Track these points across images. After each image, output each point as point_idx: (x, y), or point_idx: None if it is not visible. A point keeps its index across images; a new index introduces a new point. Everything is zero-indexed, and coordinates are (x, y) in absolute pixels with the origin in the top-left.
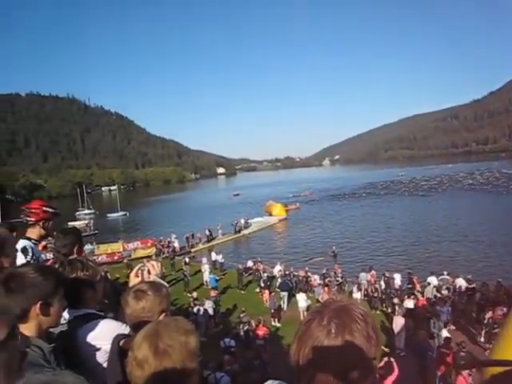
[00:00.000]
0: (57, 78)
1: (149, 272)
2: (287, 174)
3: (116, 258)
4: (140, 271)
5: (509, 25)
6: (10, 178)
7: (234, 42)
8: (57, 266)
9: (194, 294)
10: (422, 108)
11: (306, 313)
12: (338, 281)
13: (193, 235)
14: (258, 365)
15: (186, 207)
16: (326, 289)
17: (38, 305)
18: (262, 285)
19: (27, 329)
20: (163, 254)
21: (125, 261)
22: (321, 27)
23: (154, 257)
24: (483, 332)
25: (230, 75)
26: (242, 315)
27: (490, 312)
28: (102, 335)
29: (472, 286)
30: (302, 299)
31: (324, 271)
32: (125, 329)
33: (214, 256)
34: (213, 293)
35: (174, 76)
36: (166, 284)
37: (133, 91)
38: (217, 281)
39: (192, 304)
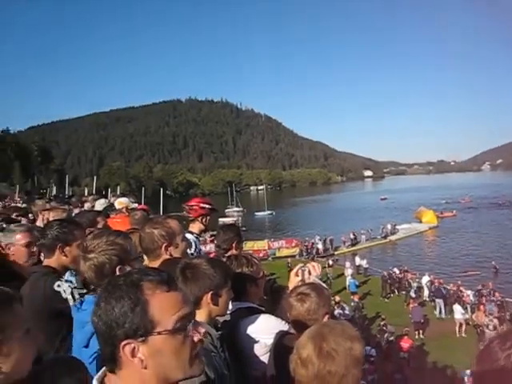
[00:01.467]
0: (212, 84)
1: (309, 273)
2: (440, 178)
3: (261, 255)
4: (300, 271)
5: None
6: (171, 175)
7: (388, 42)
8: (224, 259)
9: (337, 298)
10: None
11: (464, 326)
12: (495, 300)
13: (334, 239)
14: (398, 379)
15: (331, 209)
16: (481, 307)
17: (210, 294)
18: (413, 295)
19: (199, 315)
20: (306, 254)
21: (269, 258)
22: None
23: (297, 257)
24: None
25: (381, 75)
26: (381, 323)
27: None
28: (262, 329)
29: None
30: (458, 311)
31: (479, 287)
32: (284, 325)
33: (357, 260)
34: (356, 297)
35: (322, 79)
36: (326, 286)
37: (281, 94)
38: (357, 286)
39: (333, 307)
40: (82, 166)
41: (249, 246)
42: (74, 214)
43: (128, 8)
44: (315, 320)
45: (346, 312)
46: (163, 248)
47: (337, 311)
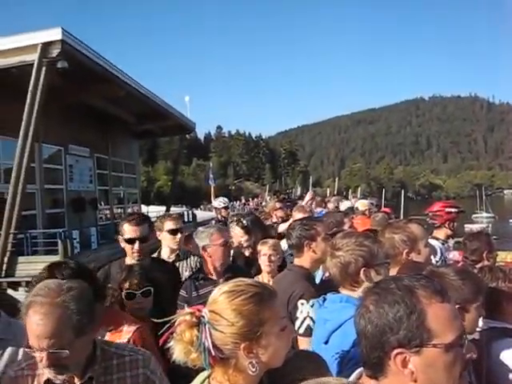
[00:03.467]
0: (458, 79)
1: None
2: None
3: None
4: None
5: None
6: (412, 177)
7: None
8: (476, 271)
9: None
10: None
11: None
12: None
13: None
14: None
15: None
16: None
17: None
18: None
19: None
20: None
21: None
22: None
23: None
24: None
25: None
26: None
27: None
28: None
29: None
30: None
31: None
32: None
33: None
34: None
35: None
36: None
37: None
38: None
39: None
40: (324, 167)
41: (501, 257)
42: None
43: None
44: None
45: None
46: (404, 254)
47: None
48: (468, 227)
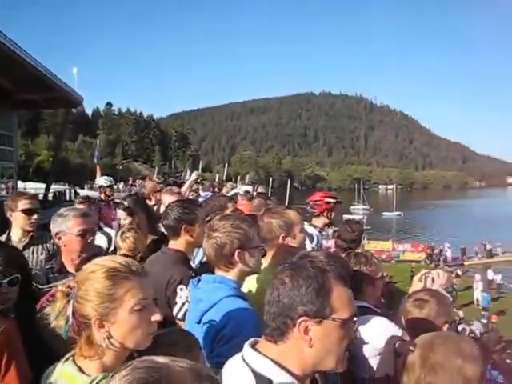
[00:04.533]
0: (347, 78)
1: (433, 280)
2: None
3: (384, 256)
4: (424, 277)
5: None
6: (299, 168)
7: None
8: (343, 255)
9: (460, 313)
10: None
11: None
12: None
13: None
14: None
15: (465, 216)
16: None
17: None
18: None
19: None
20: (433, 261)
21: (393, 261)
22: None
23: (422, 263)
24: None
25: None
26: None
27: None
28: (374, 331)
29: None
30: None
31: None
32: (398, 331)
33: (490, 274)
34: (488, 315)
35: (464, 75)
36: (448, 295)
37: (419, 90)
38: (490, 301)
39: (457, 322)
40: (215, 153)
41: (372, 245)
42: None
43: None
44: (432, 328)
45: (473, 328)
46: (280, 238)
47: (461, 326)
48: (346, 217)
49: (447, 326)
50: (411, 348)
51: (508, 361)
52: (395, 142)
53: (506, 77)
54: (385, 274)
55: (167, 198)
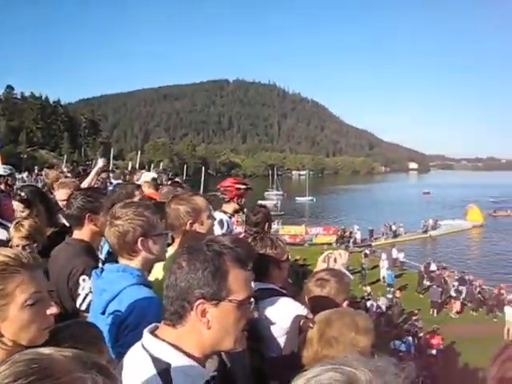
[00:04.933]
0: (260, 66)
1: (335, 260)
2: (489, 176)
3: (298, 240)
4: (327, 258)
5: None
6: (214, 155)
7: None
8: (249, 240)
9: (368, 289)
10: None
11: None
12: None
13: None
14: (425, 376)
15: (372, 200)
16: None
17: None
18: (454, 294)
19: None
20: (344, 243)
21: (306, 244)
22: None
23: (333, 245)
24: None
25: (432, 63)
26: (414, 318)
27: None
28: (280, 311)
29: None
30: (510, 314)
31: None
32: (303, 310)
33: (394, 253)
34: (396, 292)
35: (370, 66)
36: (347, 273)
37: (330, 79)
38: (394, 278)
39: (366, 298)
40: (127, 140)
41: (286, 230)
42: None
43: None
44: (333, 306)
45: (380, 304)
46: (188, 225)
47: (369, 303)
48: (261, 203)
49: (346, 302)
50: (310, 325)
51: (421, 335)
52: (307, 129)
53: (407, 68)
54: (298, 257)
55: (61, 193)
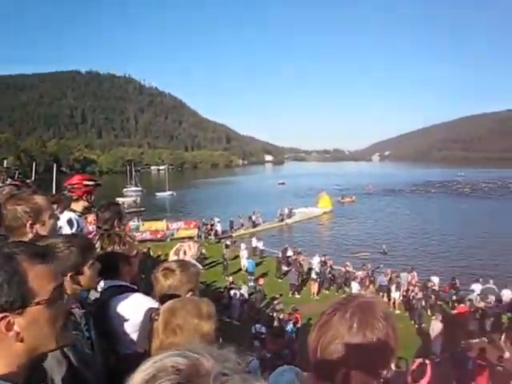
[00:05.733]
0: (115, 58)
1: (185, 252)
2: (336, 166)
3: (159, 236)
4: (177, 250)
5: None
6: (67, 151)
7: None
8: (97, 238)
9: (230, 279)
10: (484, 108)
11: None
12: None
13: (234, 221)
14: (286, 354)
15: (232, 192)
16: (371, 287)
17: (68, 277)
18: (314, 276)
19: None
20: (205, 236)
21: (168, 240)
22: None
23: (195, 238)
24: None
25: (284, 61)
26: (275, 302)
27: None
28: (132, 307)
29: None
30: (355, 288)
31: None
32: (154, 303)
33: (254, 242)
34: (258, 280)
35: (228, 60)
36: (197, 264)
37: (186, 73)
38: (255, 266)
39: (228, 287)
40: None
41: (147, 226)
42: None
43: None
44: (177, 296)
45: (242, 292)
46: (28, 225)
47: (232, 292)
48: (119, 200)
49: (191, 293)
50: (155, 316)
51: (281, 316)
52: (165, 124)
53: (257, 66)
54: (160, 253)
55: None
